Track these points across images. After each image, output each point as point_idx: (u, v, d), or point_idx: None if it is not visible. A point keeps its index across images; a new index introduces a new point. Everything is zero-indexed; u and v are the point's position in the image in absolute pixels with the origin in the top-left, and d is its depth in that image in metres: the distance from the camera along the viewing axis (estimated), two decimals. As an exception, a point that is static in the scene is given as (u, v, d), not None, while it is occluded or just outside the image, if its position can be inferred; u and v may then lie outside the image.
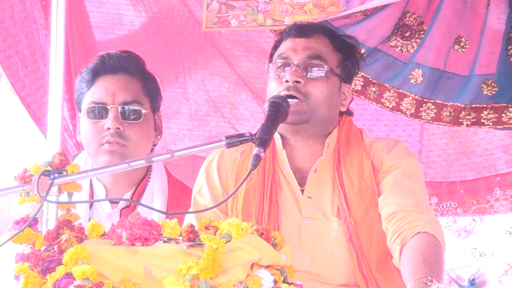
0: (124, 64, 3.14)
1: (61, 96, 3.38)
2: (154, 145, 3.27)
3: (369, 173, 2.87)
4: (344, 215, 2.83)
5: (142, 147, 3.12)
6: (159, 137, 3.24)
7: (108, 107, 3.09)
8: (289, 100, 2.79)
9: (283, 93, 2.85)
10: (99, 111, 3.11)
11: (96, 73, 3.14)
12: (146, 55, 3.33)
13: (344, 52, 2.99)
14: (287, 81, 2.88)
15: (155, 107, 3.20)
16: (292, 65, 2.91)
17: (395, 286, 2.79)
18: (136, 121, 3.10)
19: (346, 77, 3.00)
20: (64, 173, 2.39)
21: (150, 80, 3.20)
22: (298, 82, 2.88)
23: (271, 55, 3.03)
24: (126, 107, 3.10)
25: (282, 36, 3.03)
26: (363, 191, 2.85)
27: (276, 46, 3.03)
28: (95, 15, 3.72)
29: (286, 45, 2.98)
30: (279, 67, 2.94)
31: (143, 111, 3.11)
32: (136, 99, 3.12)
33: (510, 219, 4.41)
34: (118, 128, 3.07)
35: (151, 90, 3.18)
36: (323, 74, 2.91)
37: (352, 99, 3.05)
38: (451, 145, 3.61)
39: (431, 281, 2.37)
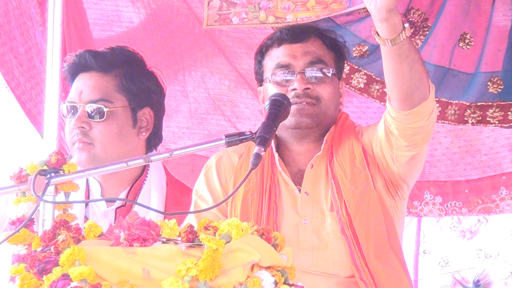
0: (94, 62, 3.12)
1: (58, 94, 3.36)
2: (154, 146, 3.23)
3: (361, 159, 2.89)
4: (336, 207, 2.85)
5: (111, 145, 3.10)
6: (144, 134, 3.19)
7: (77, 106, 3.10)
8: (302, 103, 2.84)
9: (292, 100, 2.82)
10: (69, 110, 3.13)
11: (70, 74, 3.17)
12: (145, 53, 3.31)
13: (336, 51, 3.02)
14: (294, 89, 2.88)
15: (137, 103, 3.16)
16: (295, 73, 2.91)
17: (394, 274, 2.82)
18: (100, 120, 3.08)
19: (340, 75, 3.05)
20: (61, 172, 2.38)
21: (133, 74, 3.16)
22: (307, 88, 2.89)
23: (259, 62, 3.01)
24: (91, 105, 3.10)
25: (271, 42, 3.00)
26: (356, 178, 2.87)
27: (264, 52, 3.00)
28: (94, 12, 3.71)
29: (283, 52, 2.97)
30: (281, 75, 2.91)
31: (105, 109, 3.08)
32: (103, 97, 3.11)
33: (515, 220, 4.39)
34: (82, 127, 3.07)
35: (128, 86, 3.14)
36: (329, 77, 2.94)
37: None
38: (456, 144, 3.58)
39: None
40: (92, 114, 3.09)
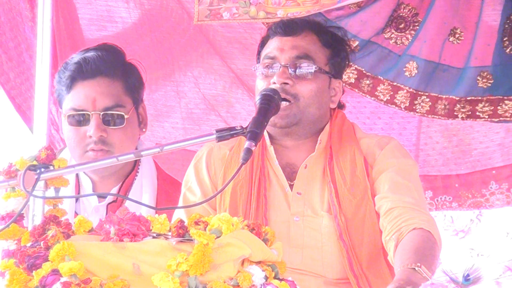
0: (102, 66, 3.07)
1: (47, 89, 3.36)
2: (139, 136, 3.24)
3: (362, 169, 2.85)
4: (335, 212, 2.81)
5: (127, 149, 3.06)
6: (144, 130, 3.19)
7: (89, 114, 3.04)
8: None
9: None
10: (80, 118, 3.06)
11: (74, 79, 3.08)
12: (139, 53, 3.32)
13: (333, 48, 2.95)
14: (274, 83, 2.84)
15: (138, 102, 3.15)
16: (279, 65, 2.87)
17: (384, 284, 2.76)
18: (119, 126, 3.06)
19: (336, 73, 2.96)
20: (51, 167, 2.37)
21: (132, 73, 3.14)
22: (286, 83, 2.84)
23: (259, 53, 3.00)
24: (108, 113, 3.05)
25: (268, 33, 2.99)
26: (355, 187, 2.83)
27: (263, 43, 2.99)
28: (87, 12, 3.70)
29: (273, 44, 2.93)
30: (266, 67, 2.90)
31: (126, 116, 3.06)
32: (117, 103, 3.07)
33: (507, 220, 4.42)
34: (101, 135, 3.03)
35: (133, 86, 3.12)
36: (311, 74, 2.87)
37: (344, 92, 3.02)
38: (446, 139, 3.60)
39: (420, 267, 2.35)
40: (109, 121, 3.05)
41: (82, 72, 3.06)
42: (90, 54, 3.10)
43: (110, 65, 3.09)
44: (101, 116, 3.04)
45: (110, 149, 3.04)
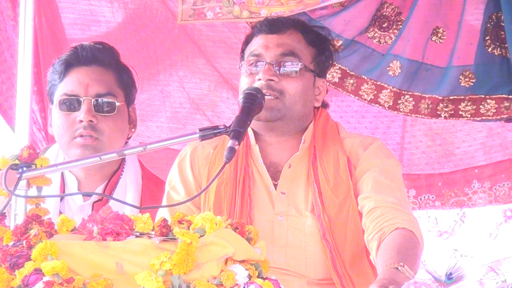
0: (98, 56, 3.11)
1: (29, 88, 3.36)
2: (128, 138, 3.24)
3: (345, 169, 2.85)
4: (318, 212, 2.81)
5: (116, 140, 3.09)
6: (133, 130, 3.22)
7: (81, 99, 3.06)
8: (265, 96, 2.77)
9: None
10: (71, 103, 3.08)
11: (69, 65, 3.11)
12: (124, 54, 3.31)
13: (317, 47, 2.97)
14: (260, 79, 2.85)
15: (129, 100, 3.18)
16: (264, 63, 2.87)
17: (367, 284, 2.77)
18: (109, 114, 3.08)
19: (320, 71, 2.98)
20: (33, 166, 2.35)
21: (125, 72, 3.18)
22: (271, 80, 2.85)
23: (242, 51, 3.00)
24: (99, 100, 3.07)
25: (253, 31, 3.00)
26: (338, 187, 2.84)
27: (247, 42, 2.99)
28: (70, 12, 3.70)
29: (258, 42, 2.94)
30: (251, 64, 2.90)
31: (117, 103, 3.08)
32: (110, 91, 3.09)
33: (490, 221, 4.44)
34: (91, 121, 3.04)
35: (125, 82, 3.16)
36: (297, 72, 2.88)
37: (327, 91, 3.02)
38: (429, 137, 3.61)
39: (403, 266, 2.36)
40: (100, 108, 3.06)
41: (77, 58, 3.09)
42: (87, 43, 3.13)
43: (106, 56, 3.12)
44: (92, 102, 3.05)
45: (99, 136, 3.05)
